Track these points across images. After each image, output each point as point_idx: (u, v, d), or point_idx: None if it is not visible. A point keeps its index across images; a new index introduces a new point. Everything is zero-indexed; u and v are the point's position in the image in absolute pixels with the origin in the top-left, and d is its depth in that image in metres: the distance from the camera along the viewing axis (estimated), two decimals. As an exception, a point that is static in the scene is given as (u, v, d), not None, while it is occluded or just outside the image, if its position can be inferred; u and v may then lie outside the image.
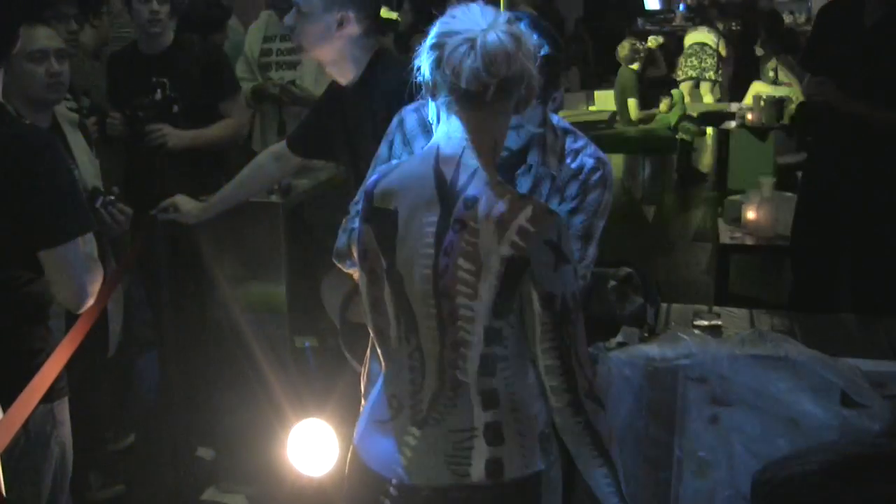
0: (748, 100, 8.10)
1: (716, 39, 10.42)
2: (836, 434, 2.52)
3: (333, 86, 3.30)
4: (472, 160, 1.97)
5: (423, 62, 1.98)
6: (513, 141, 2.25)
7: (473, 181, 1.96)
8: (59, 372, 2.58)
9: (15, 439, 2.50)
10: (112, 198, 3.29)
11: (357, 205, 2.15)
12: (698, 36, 10.55)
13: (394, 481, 2.05)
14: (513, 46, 1.92)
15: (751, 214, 4.96)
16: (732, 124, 8.07)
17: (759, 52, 8.94)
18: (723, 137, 8.30)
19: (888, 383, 2.76)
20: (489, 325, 1.95)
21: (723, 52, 10.41)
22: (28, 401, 2.46)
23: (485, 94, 1.93)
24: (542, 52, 2.08)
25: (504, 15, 1.98)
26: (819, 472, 1.32)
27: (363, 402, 2.30)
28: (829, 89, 4.17)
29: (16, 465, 2.55)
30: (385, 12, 5.76)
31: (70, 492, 2.82)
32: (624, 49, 9.18)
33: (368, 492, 2.10)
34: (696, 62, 10.37)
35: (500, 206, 1.92)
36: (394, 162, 2.19)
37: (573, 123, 2.49)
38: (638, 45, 9.34)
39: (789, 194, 5.02)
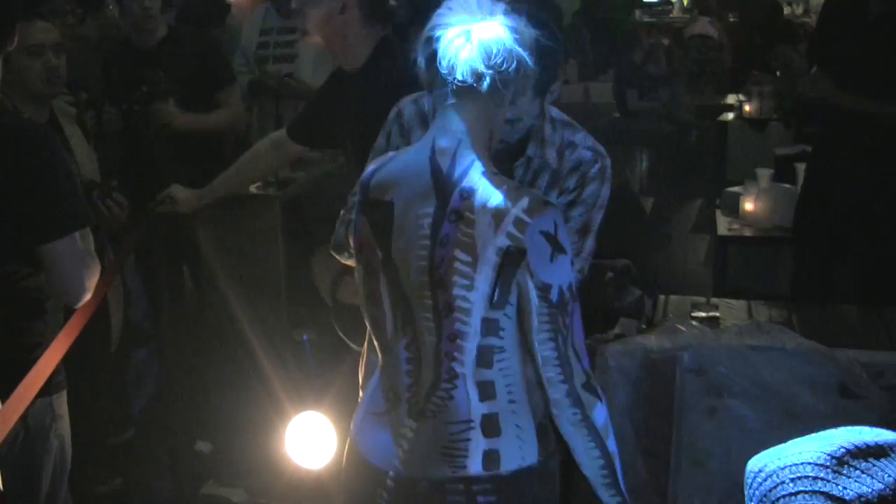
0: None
1: (717, 31, 10.39)
2: (833, 425, 2.51)
3: (336, 74, 3.30)
4: (468, 151, 1.97)
5: (419, 53, 1.98)
6: (510, 133, 2.25)
7: (469, 172, 1.96)
8: (55, 365, 2.58)
9: (14, 433, 2.50)
10: (108, 188, 3.29)
11: (356, 196, 2.15)
12: (699, 28, 10.51)
13: (391, 473, 2.05)
14: (509, 38, 1.92)
15: (749, 206, 4.95)
16: (730, 116, 8.06)
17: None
18: (721, 129, 8.29)
19: (886, 374, 2.76)
20: (486, 317, 1.95)
21: (724, 44, 10.38)
22: (25, 394, 2.45)
23: (480, 85, 1.93)
24: (539, 44, 2.08)
25: (500, 6, 1.98)
26: (812, 462, 1.32)
27: (361, 394, 2.30)
28: (826, 85, 4.17)
29: (15, 458, 2.55)
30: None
31: (68, 486, 2.82)
32: None
33: (365, 484, 2.10)
34: (697, 55, 10.33)
35: (497, 197, 1.92)
36: (390, 153, 2.19)
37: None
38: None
39: (787, 186, 5.00)
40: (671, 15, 12.57)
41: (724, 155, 7.93)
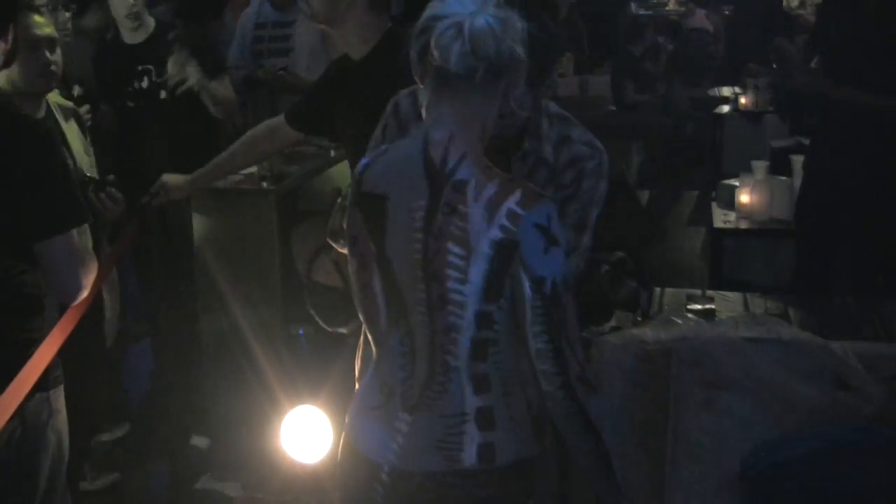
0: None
1: (712, 24, 10.38)
2: (829, 417, 2.51)
3: (341, 61, 3.29)
4: (461, 144, 1.97)
5: (412, 45, 1.98)
6: (503, 128, 2.24)
7: (462, 165, 1.95)
8: (50, 360, 2.57)
9: (10, 428, 2.50)
10: (102, 183, 3.28)
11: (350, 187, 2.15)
12: (695, 21, 10.51)
13: (386, 467, 2.05)
14: (501, 30, 1.92)
15: (744, 198, 4.95)
16: (726, 108, 8.06)
17: None
18: (717, 121, 8.29)
19: (881, 365, 2.76)
20: (480, 309, 1.95)
21: (721, 36, 10.38)
22: (19, 390, 2.45)
23: (473, 77, 1.92)
24: (532, 37, 2.07)
25: None
26: (807, 456, 1.32)
27: (357, 387, 2.30)
28: (821, 77, 4.17)
29: (12, 453, 2.55)
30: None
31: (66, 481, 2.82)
32: None
33: (361, 478, 2.10)
34: (693, 48, 10.33)
35: (490, 190, 1.92)
36: (383, 146, 2.18)
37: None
38: None
39: (783, 178, 5.00)
40: (667, 7, 12.55)
41: (719, 147, 7.93)
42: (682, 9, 12.00)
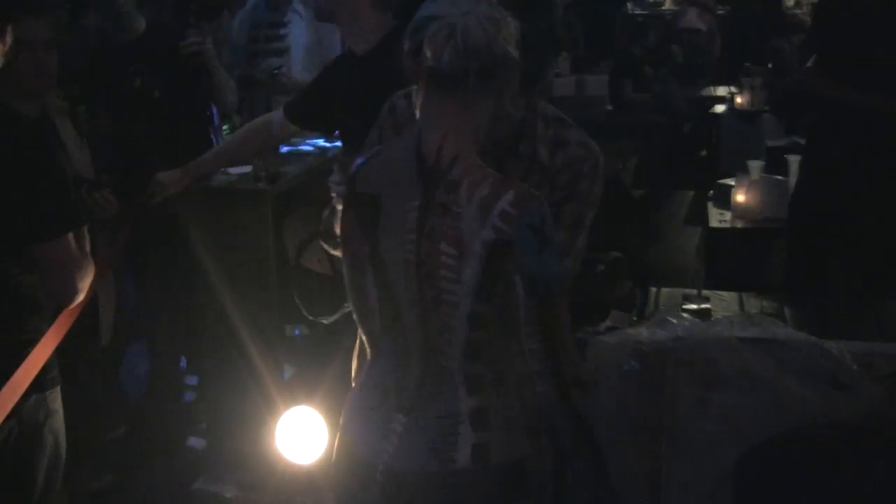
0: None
1: (705, 23, 10.37)
2: (824, 417, 2.52)
3: (345, 56, 3.30)
4: (454, 144, 1.97)
5: (405, 46, 1.98)
6: (496, 131, 2.23)
7: (456, 165, 1.95)
8: (45, 361, 2.58)
9: (7, 429, 2.50)
10: (97, 183, 3.28)
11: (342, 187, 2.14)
12: (687, 21, 10.49)
13: (381, 468, 2.04)
14: (494, 30, 1.92)
15: (740, 198, 4.95)
16: (722, 108, 8.06)
17: None
18: (713, 121, 8.29)
19: (876, 365, 2.76)
20: (473, 310, 1.95)
21: (714, 34, 10.37)
22: (15, 390, 2.45)
23: (466, 78, 1.92)
24: (527, 37, 2.07)
25: None
26: (801, 456, 1.32)
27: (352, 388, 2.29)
28: (816, 77, 4.17)
29: (9, 454, 2.55)
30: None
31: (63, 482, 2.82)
32: None
33: (356, 479, 2.10)
34: (686, 48, 10.32)
35: (482, 190, 1.92)
36: (377, 147, 2.18)
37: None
38: None
39: (779, 178, 5.01)
40: (663, 7, 12.53)
41: (716, 147, 7.94)
42: (678, 8, 11.98)
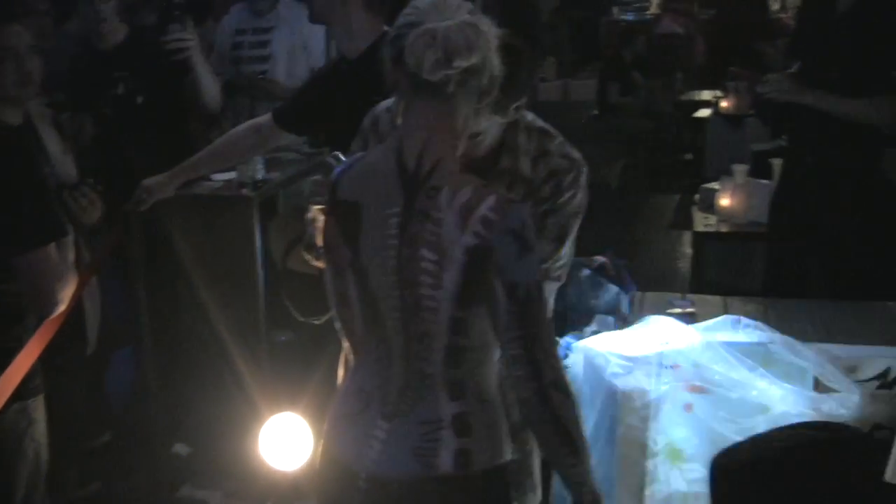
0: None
1: (681, 27, 10.39)
2: (807, 419, 2.52)
3: (336, 61, 3.30)
4: (434, 151, 1.96)
5: (386, 52, 1.98)
6: (473, 148, 2.19)
7: (436, 171, 1.95)
8: (27, 370, 2.57)
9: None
10: (79, 185, 3.27)
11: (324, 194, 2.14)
12: (663, 26, 10.51)
13: (363, 474, 2.04)
14: (475, 37, 1.92)
15: (725, 201, 4.96)
16: (707, 112, 8.08)
17: None
18: (698, 125, 8.31)
19: (860, 368, 2.77)
20: (453, 316, 1.94)
21: (693, 37, 10.39)
22: (-4, 399, 2.45)
23: (446, 84, 1.91)
24: (509, 45, 2.06)
25: (467, 6, 1.97)
26: (774, 457, 1.32)
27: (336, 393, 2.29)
28: (784, 84, 4.18)
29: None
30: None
31: (46, 490, 2.81)
32: None
33: (339, 485, 2.10)
34: (664, 53, 10.34)
35: (463, 196, 1.92)
36: (359, 154, 2.18)
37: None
38: None
39: (763, 181, 5.01)
40: (648, 12, 12.56)
41: (701, 151, 7.96)
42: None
